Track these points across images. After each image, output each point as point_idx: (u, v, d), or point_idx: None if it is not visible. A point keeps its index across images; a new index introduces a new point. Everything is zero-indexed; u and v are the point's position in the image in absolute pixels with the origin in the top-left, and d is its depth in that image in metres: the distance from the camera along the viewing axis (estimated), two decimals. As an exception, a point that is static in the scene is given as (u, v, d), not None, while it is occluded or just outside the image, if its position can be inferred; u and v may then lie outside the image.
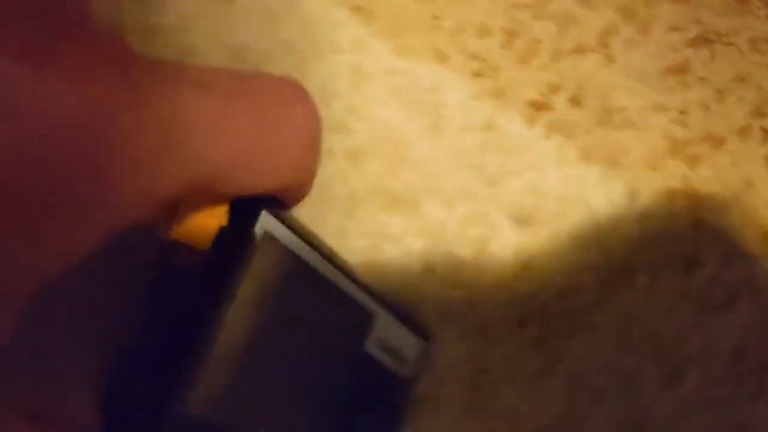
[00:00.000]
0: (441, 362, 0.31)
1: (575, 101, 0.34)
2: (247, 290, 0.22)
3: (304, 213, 0.34)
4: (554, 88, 0.34)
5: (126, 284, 0.22)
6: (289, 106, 0.21)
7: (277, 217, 0.22)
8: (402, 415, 0.31)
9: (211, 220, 0.21)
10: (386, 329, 0.28)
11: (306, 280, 0.24)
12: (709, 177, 0.33)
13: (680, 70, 0.34)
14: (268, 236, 0.22)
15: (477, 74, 0.35)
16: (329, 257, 0.25)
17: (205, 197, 0.20)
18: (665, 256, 0.32)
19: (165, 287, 0.21)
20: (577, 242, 0.33)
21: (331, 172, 0.34)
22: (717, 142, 0.33)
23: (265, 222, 0.22)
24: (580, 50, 0.35)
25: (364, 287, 0.27)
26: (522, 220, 0.33)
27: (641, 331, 0.32)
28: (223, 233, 0.21)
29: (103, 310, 0.22)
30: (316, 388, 0.26)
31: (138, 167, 0.15)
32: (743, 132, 0.33)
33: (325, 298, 0.25)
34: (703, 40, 0.34)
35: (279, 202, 0.23)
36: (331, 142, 0.34)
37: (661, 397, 0.31)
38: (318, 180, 0.34)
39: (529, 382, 0.31)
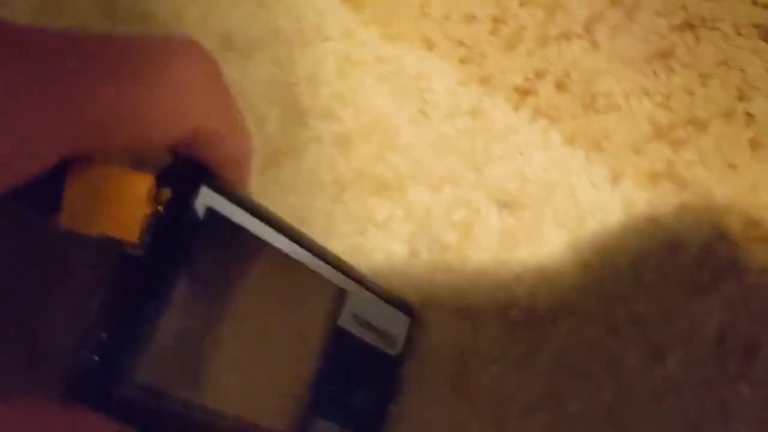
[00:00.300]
0: (426, 345, 0.32)
1: (561, 86, 0.34)
2: (197, 265, 0.22)
3: (292, 198, 0.35)
4: (540, 74, 0.35)
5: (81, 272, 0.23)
6: (162, 59, 0.20)
7: (217, 190, 0.22)
8: (392, 390, 0.31)
9: (136, 208, 0.21)
10: (362, 305, 0.28)
11: (262, 256, 0.24)
12: (693, 160, 0.33)
13: (665, 55, 0.34)
14: (213, 214, 0.22)
15: (464, 61, 0.35)
16: (284, 230, 0.25)
17: (103, 150, 0.20)
18: (649, 239, 0.33)
19: (120, 271, 0.22)
20: (561, 226, 0.33)
21: (318, 158, 0.34)
22: (701, 125, 0.33)
23: (207, 198, 0.22)
24: (566, 36, 0.35)
25: (335, 264, 0.27)
26: (507, 204, 0.33)
27: (625, 312, 0.32)
28: (166, 212, 0.21)
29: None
30: (281, 361, 0.27)
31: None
32: (727, 115, 0.33)
33: (285, 274, 0.25)
34: (688, 26, 0.35)
35: (217, 176, 0.23)
36: (319, 128, 0.35)
37: (645, 378, 0.32)
38: (306, 166, 0.35)
39: (514, 363, 0.32)
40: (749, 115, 0.34)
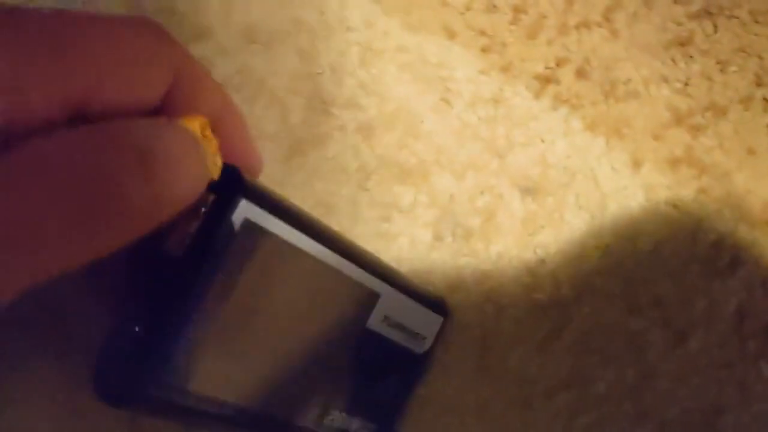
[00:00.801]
0: (451, 327, 0.32)
1: (581, 74, 0.35)
2: (234, 277, 0.23)
3: (317, 185, 0.35)
4: (560, 62, 0.35)
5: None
6: (126, 23, 0.21)
7: (260, 203, 0.23)
8: (414, 384, 0.32)
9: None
10: (394, 307, 0.29)
11: (297, 262, 0.25)
12: (712, 146, 0.34)
13: (684, 42, 0.35)
14: (250, 225, 0.23)
15: (485, 50, 0.36)
16: (323, 239, 0.26)
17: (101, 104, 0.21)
18: (669, 223, 0.33)
19: (155, 270, 0.23)
20: (583, 211, 0.34)
21: (343, 146, 0.35)
22: (720, 111, 0.34)
23: (245, 210, 0.23)
24: (585, 24, 0.35)
25: (368, 266, 0.28)
26: (529, 190, 0.34)
27: (647, 295, 0.33)
28: (207, 221, 0.22)
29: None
30: (311, 366, 0.27)
31: None
32: (745, 101, 0.34)
33: (318, 279, 0.26)
34: (705, 13, 0.35)
35: (256, 189, 0.23)
36: (343, 117, 0.35)
37: (666, 359, 0.32)
38: (330, 154, 0.35)
39: (538, 345, 0.32)
40: (767, 100, 0.34)
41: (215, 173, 0.22)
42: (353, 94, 0.35)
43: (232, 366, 0.24)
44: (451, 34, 0.36)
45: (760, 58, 0.34)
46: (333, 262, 0.26)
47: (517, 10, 0.36)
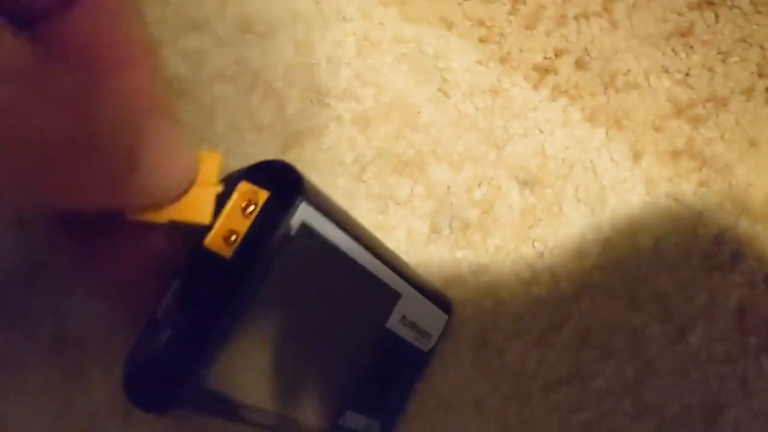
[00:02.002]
0: (449, 322, 0.32)
1: (580, 65, 0.34)
2: (279, 279, 0.22)
3: (314, 177, 0.35)
4: (559, 53, 0.35)
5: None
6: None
7: (314, 205, 0.22)
8: (415, 381, 0.31)
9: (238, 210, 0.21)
10: (411, 306, 0.29)
11: (335, 264, 0.24)
12: (713, 138, 0.33)
13: (684, 33, 0.34)
14: (305, 228, 0.21)
15: (483, 40, 0.35)
16: (361, 239, 0.25)
17: None
18: (670, 216, 0.33)
19: (202, 270, 0.21)
20: (582, 203, 0.33)
21: (339, 137, 0.34)
22: (721, 102, 0.34)
23: (303, 213, 0.21)
24: (584, 15, 0.35)
25: (393, 266, 0.27)
26: (527, 182, 0.33)
27: (647, 289, 0.32)
28: (260, 222, 0.21)
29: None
30: (335, 366, 0.27)
31: None
32: (747, 92, 0.34)
33: (352, 281, 0.25)
34: (706, 3, 0.35)
35: (312, 187, 0.22)
36: (339, 108, 0.35)
37: (666, 355, 0.32)
38: (327, 146, 0.35)
39: (536, 340, 0.32)
40: (769, 91, 0.34)
41: (206, 217, 0.21)
42: (349, 85, 0.35)
43: (261, 368, 0.24)
44: (448, 25, 0.35)
45: (762, 48, 0.34)
46: (368, 263, 0.25)
47: (516, 1, 0.35)
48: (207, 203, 0.20)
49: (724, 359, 0.32)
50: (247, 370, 0.23)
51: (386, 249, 0.27)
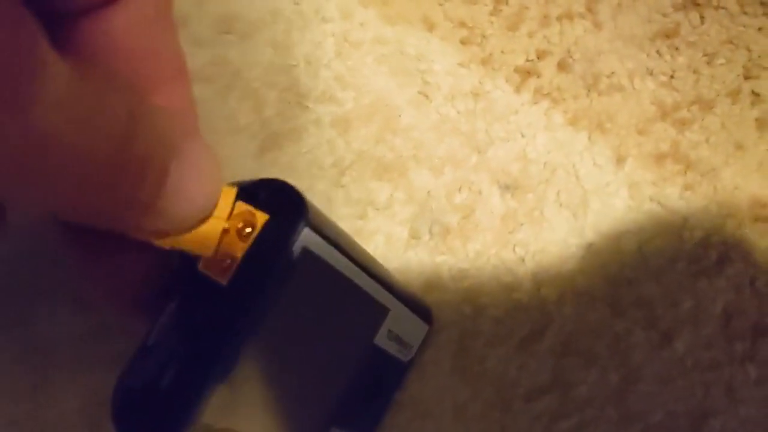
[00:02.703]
0: (432, 333, 0.31)
1: (563, 67, 0.34)
2: (279, 306, 0.21)
3: (291, 181, 0.34)
4: (542, 54, 0.34)
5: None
6: None
7: (317, 230, 0.20)
8: (394, 392, 0.31)
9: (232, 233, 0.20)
10: (397, 320, 0.28)
11: (334, 288, 0.23)
12: (699, 141, 0.33)
13: (669, 34, 0.34)
14: (306, 253, 0.20)
15: (464, 42, 0.35)
16: (359, 261, 0.24)
17: None
18: (654, 221, 0.32)
19: (198, 296, 0.20)
20: (564, 208, 0.32)
21: (318, 140, 0.34)
22: (706, 105, 0.33)
23: (306, 239, 0.20)
24: (568, 16, 0.34)
25: (384, 282, 0.26)
26: (509, 186, 0.33)
27: (630, 295, 0.32)
28: (259, 246, 0.19)
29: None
30: (324, 385, 0.26)
31: None
32: (733, 95, 0.33)
33: (348, 302, 0.24)
34: (692, 4, 0.34)
35: (313, 210, 0.21)
36: (318, 110, 0.34)
37: (651, 361, 0.31)
38: (305, 149, 0.34)
39: (517, 346, 0.31)
40: (755, 94, 0.33)
41: (208, 250, 0.20)
42: (329, 87, 0.34)
43: (256, 400, 0.22)
44: (430, 26, 0.35)
45: (749, 50, 0.33)
46: (364, 284, 0.24)
47: (498, 1, 0.35)
48: (213, 237, 0.19)
49: (709, 366, 0.31)
50: (241, 401, 0.22)
51: (376, 263, 0.27)
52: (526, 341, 0.31)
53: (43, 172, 0.13)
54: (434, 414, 0.31)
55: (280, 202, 0.20)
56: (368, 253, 0.26)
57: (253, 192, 0.20)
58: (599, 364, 0.31)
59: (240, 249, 0.20)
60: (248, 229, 0.20)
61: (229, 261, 0.20)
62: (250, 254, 0.19)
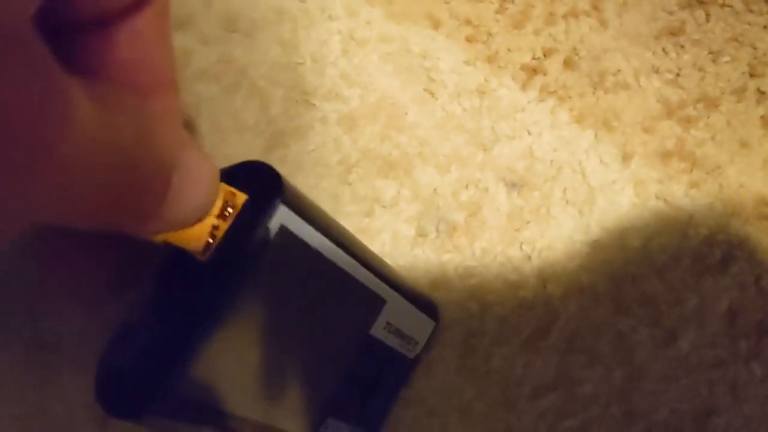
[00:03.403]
0: (438, 330, 0.31)
1: (569, 64, 0.34)
2: (257, 283, 0.21)
3: (298, 179, 0.34)
4: (547, 52, 0.34)
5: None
6: None
7: (293, 208, 0.21)
8: (400, 388, 0.31)
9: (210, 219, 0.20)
10: (396, 312, 0.28)
11: (317, 269, 0.23)
12: (704, 138, 0.33)
13: (675, 32, 0.34)
14: (284, 231, 0.21)
15: (470, 39, 0.35)
16: (344, 244, 0.24)
17: None
18: (659, 218, 0.32)
19: (177, 273, 0.21)
20: (570, 206, 0.32)
21: (324, 138, 0.34)
22: (712, 103, 0.33)
23: (282, 216, 0.21)
24: (573, 14, 0.34)
25: (378, 271, 0.26)
26: (515, 184, 0.33)
27: (636, 293, 0.32)
28: (238, 224, 0.20)
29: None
30: (314, 373, 0.26)
31: None
32: (738, 93, 0.33)
33: (334, 287, 0.25)
34: (697, 2, 0.34)
35: (291, 188, 0.22)
36: (324, 108, 0.34)
37: (655, 359, 0.31)
38: (311, 147, 0.34)
39: (523, 344, 0.31)
40: (761, 92, 0.33)
41: (199, 245, 0.20)
42: (335, 85, 0.34)
43: (240, 375, 0.23)
44: (435, 24, 0.35)
45: (754, 47, 0.33)
46: (351, 269, 0.25)
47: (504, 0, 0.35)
48: (204, 232, 0.20)
49: (714, 364, 0.31)
50: (227, 377, 0.22)
51: (371, 253, 0.27)
52: (531, 339, 0.31)
53: (62, 197, 0.13)
54: (440, 412, 0.31)
55: (259, 182, 0.21)
56: (361, 242, 0.26)
57: (234, 174, 0.21)
58: (604, 362, 0.31)
59: (221, 229, 0.20)
60: (229, 210, 0.20)
61: (211, 240, 0.20)
62: (229, 233, 0.20)
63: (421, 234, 0.33)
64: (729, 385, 0.31)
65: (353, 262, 0.25)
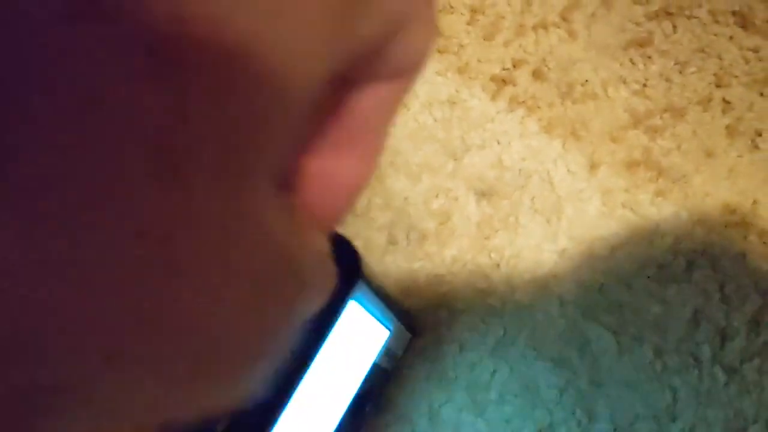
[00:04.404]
0: (411, 339, 0.32)
1: (538, 75, 0.34)
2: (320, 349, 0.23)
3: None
4: (517, 63, 0.35)
5: None
6: None
7: (366, 281, 0.23)
8: (375, 398, 0.31)
9: None
10: (394, 339, 0.29)
11: (359, 324, 0.25)
12: (670, 148, 0.33)
13: (642, 43, 0.34)
14: (352, 304, 0.23)
15: (441, 51, 0.35)
16: (377, 290, 0.25)
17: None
18: (626, 227, 0.33)
19: None
20: (538, 214, 0.33)
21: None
22: (678, 113, 0.34)
23: (357, 291, 0.22)
24: (543, 25, 0.35)
25: (391, 305, 0.28)
26: (485, 193, 0.33)
27: (602, 300, 0.32)
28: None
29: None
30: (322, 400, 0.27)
31: None
32: (704, 103, 0.34)
33: (365, 336, 0.26)
34: (665, 13, 0.35)
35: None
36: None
37: (621, 365, 0.32)
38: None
39: (491, 350, 0.32)
40: (726, 102, 0.34)
41: None
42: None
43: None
44: (408, 35, 0.35)
45: (720, 58, 0.34)
46: (387, 321, 0.26)
47: (475, 11, 0.35)
48: None
49: (677, 370, 0.32)
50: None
51: (384, 287, 0.28)
52: (499, 346, 0.32)
53: None
54: (410, 418, 0.31)
55: (338, 255, 0.21)
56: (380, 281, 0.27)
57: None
58: (569, 368, 0.32)
59: None
60: None
61: None
62: None
63: (392, 242, 0.33)
64: (692, 391, 0.32)
65: (382, 303, 0.26)
